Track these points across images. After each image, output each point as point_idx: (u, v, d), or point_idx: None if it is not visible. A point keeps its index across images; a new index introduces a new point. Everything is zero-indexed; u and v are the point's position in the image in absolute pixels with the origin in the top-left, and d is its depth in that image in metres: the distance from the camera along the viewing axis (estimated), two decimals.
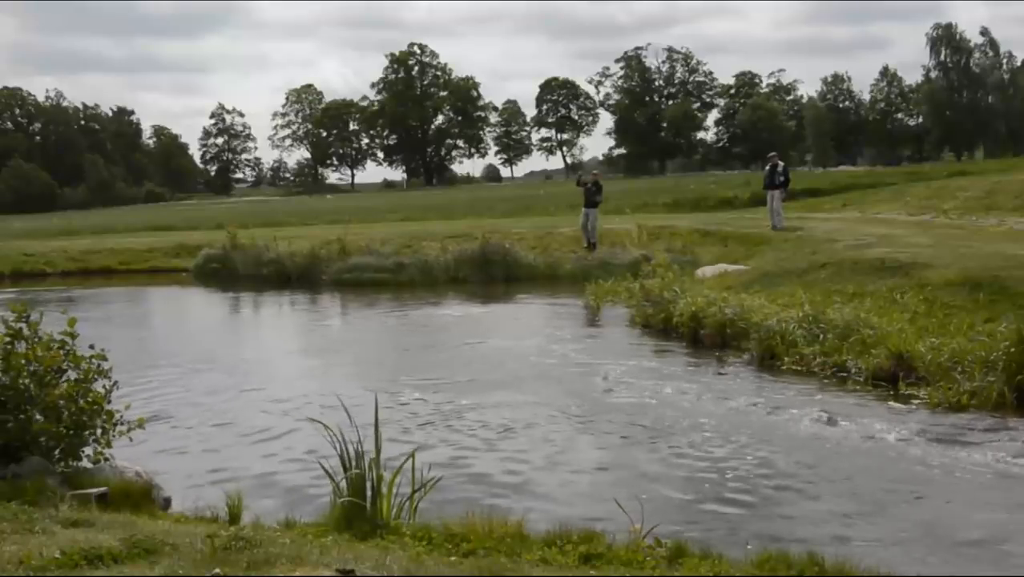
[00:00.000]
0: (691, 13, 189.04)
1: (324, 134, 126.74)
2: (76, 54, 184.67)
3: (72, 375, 7.25)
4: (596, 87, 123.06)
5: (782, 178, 24.33)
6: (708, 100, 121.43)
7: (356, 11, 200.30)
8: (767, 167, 25.48)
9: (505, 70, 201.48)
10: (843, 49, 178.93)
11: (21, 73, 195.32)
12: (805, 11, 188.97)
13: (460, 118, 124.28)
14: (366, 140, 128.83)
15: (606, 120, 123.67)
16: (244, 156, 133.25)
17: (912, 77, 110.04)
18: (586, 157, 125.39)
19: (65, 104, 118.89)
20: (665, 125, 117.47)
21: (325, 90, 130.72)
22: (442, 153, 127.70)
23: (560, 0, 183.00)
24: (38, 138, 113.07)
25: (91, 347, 7.35)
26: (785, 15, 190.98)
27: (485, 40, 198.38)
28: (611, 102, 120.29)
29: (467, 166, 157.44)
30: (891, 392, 10.35)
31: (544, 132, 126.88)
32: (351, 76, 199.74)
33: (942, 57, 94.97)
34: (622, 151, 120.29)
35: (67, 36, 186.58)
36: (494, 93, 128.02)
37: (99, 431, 7.30)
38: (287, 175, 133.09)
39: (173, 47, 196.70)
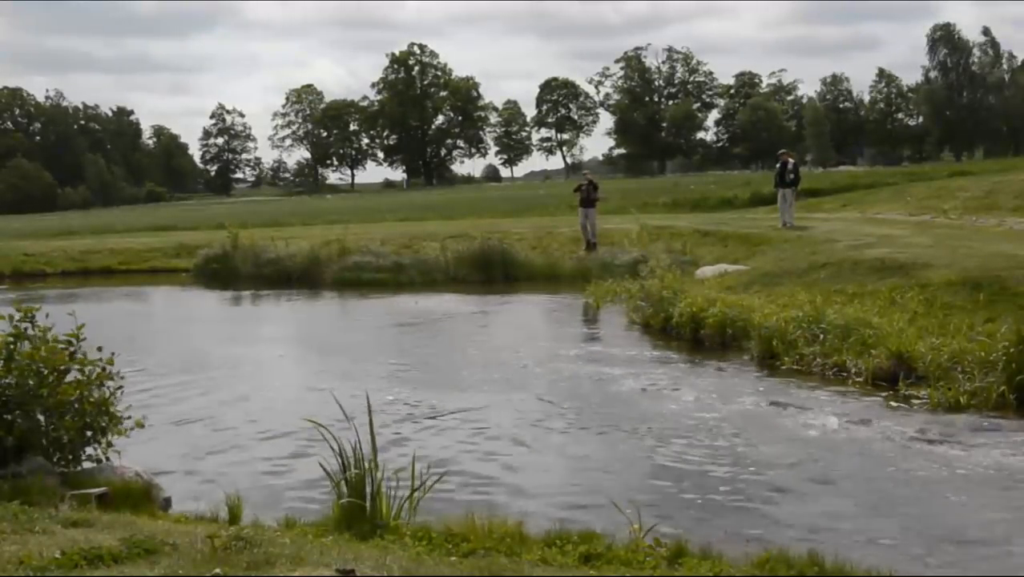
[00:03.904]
0: (682, 13, 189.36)
1: (324, 134, 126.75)
2: (67, 54, 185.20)
3: (76, 376, 7.25)
4: (596, 87, 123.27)
5: (792, 176, 23.88)
6: (708, 100, 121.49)
7: (345, 11, 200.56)
8: (777, 165, 24.99)
9: (496, 70, 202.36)
10: (834, 49, 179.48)
11: (14, 73, 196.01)
12: (795, 11, 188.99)
13: (460, 118, 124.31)
14: (366, 140, 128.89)
15: (606, 120, 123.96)
16: (244, 156, 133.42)
17: (905, 77, 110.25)
18: (586, 157, 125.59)
19: (65, 104, 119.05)
20: (665, 125, 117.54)
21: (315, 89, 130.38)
22: (442, 153, 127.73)
23: (550, 0, 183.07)
24: (38, 138, 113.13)
25: (99, 349, 7.35)
26: (774, 15, 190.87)
27: (475, 40, 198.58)
28: (611, 102, 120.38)
29: (467, 166, 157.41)
30: (891, 392, 10.35)
31: (544, 132, 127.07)
32: (344, 76, 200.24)
33: (941, 57, 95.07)
34: (622, 151, 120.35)
35: (57, 36, 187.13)
36: (485, 93, 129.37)
37: (101, 433, 7.30)
38: (287, 175, 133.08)
39: (164, 47, 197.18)
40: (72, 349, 7.25)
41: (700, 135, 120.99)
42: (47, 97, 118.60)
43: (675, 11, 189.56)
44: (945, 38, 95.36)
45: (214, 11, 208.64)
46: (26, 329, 7.19)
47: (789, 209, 24.00)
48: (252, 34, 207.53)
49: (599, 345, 14.68)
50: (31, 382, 6.98)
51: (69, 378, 7.22)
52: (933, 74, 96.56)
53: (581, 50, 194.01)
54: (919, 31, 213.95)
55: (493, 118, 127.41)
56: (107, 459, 7.36)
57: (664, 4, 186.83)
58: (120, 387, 7.47)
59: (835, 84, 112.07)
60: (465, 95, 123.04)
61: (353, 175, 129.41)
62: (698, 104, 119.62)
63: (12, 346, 7.07)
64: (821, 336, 11.94)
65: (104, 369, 7.30)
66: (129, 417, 7.45)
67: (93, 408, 7.18)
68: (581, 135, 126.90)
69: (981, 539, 6.49)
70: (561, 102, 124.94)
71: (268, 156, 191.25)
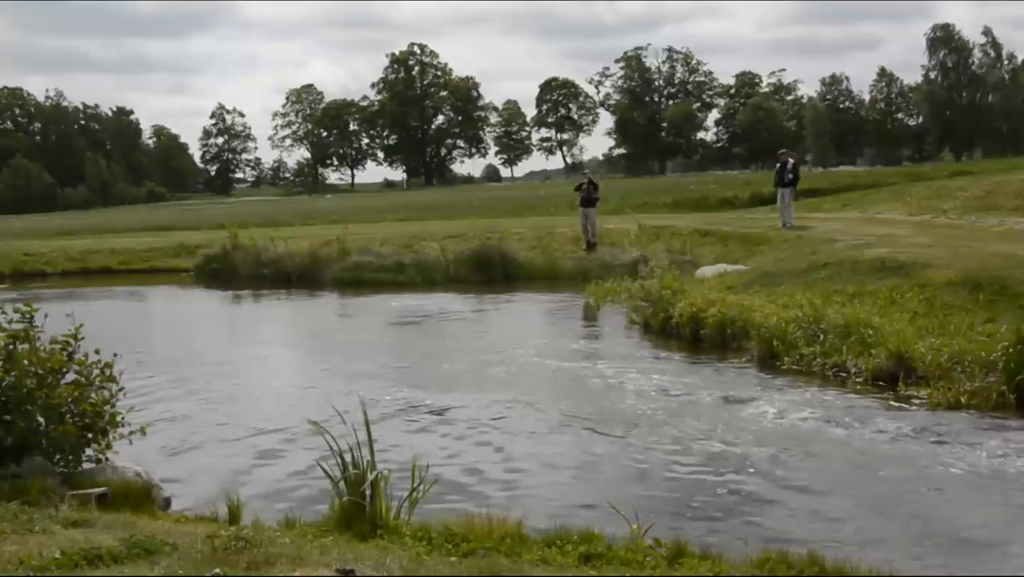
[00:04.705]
0: (679, 13, 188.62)
1: (324, 134, 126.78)
2: (67, 54, 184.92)
3: (74, 377, 7.24)
4: (596, 87, 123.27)
5: (791, 176, 23.90)
6: (708, 100, 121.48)
7: (343, 11, 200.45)
8: (777, 164, 25.05)
9: (493, 70, 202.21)
10: (832, 49, 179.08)
11: (14, 73, 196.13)
12: (793, 12, 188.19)
13: (460, 118, 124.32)
14: (366, 140, 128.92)
15: (606, 120, 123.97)
16: (244, 156, 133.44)
17: (903, 77, 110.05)
18: (586, 157, 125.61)
19: (65, 104, 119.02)
20: (665, 125, 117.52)
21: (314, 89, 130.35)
22: (442, 153, 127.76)
23: (546, 0, 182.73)
24: (38, 138, 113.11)
25: (97, 352, 7.35)
26: (773, 16, 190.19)
27: (473, 40, 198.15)
28: (611, 102, 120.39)
29: (467, 166, 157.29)
30: (891, 392, 10.35)
31: (544, 132, 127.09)
32: (341, 76, 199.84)
33: (941, 57, 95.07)
34: (622, 151, 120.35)
35: (57, 36, 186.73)
36: (485, 93, 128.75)
37: (101, 433, 7.29)
38: (287, 175, 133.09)
39: (163, 47, 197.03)
40: (70, 350, 7.24)
41: (700, 135, 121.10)
42: (47, 97, 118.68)
43: (673, 11, 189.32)
44: (944, 39, 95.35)
45: (213, 11, 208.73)
46: (25, 330, 7.18)
47: (788, 209, 24.00)
48: (251, 34, 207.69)
49: (598, 345, 14.67)
50: (28, 383, 6.96)
51: (68, 378, 7.22)
52: (933, 74, 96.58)
53: (579, 50, 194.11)
54: (917, 31, 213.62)
55: (493, 118, 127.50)
56: (107, 459, 7.37)
57: (661, 4, 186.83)
58: (121, 388, 7.47)
59: (835, 84, 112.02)
60: (465, 95, 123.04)
61: (353, 175, 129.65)
62: (698, 104, 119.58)
63: (11, 347, 7.07)
64: (821, 336, 11.93)
65: (103, 372, 7.30)
66: (130, 425, 7.44)
67: (92, 410, 7.18)
68: (581, 135, 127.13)
69: (981, 539, 6.49)
70: (561, 102, 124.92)
71: (268, 156, 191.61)
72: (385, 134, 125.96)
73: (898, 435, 8.85)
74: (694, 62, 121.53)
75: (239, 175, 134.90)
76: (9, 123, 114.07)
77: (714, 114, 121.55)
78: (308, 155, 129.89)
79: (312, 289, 23.80)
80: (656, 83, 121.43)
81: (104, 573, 4.47)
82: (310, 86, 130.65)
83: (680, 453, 8.60)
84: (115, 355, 7.44)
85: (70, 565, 4.50)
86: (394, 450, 8.41)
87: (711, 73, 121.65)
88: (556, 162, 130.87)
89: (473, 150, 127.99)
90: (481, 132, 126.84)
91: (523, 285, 22.60)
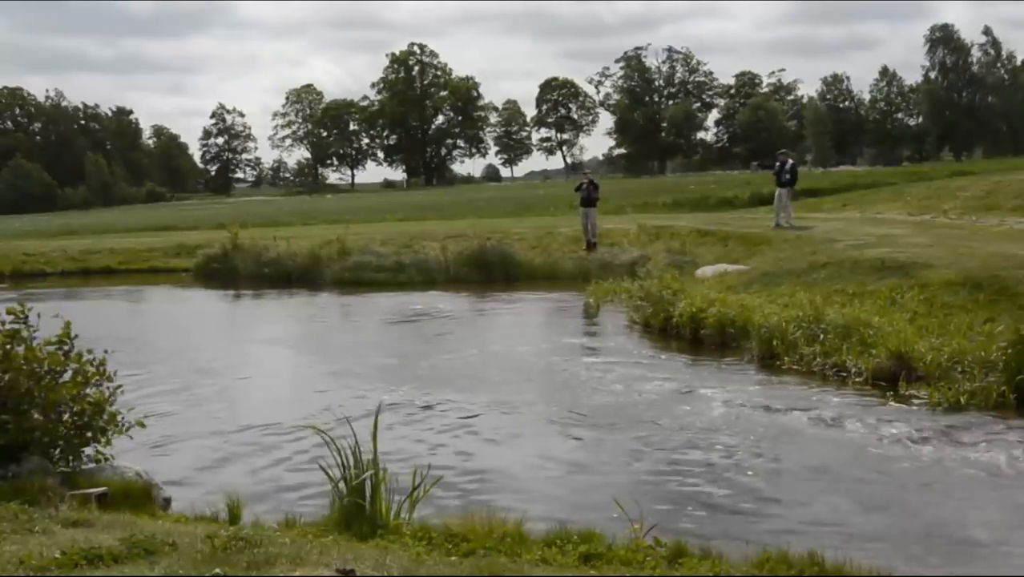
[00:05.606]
0: (678, 13, 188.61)
1: (324, 134, 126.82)
2: (66, 54, 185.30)
3: (71, 375, 7.25)
4: (596, 87, 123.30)
5: (788, 176, 23.93)
6: (708, 100, 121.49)
7: (342, 11, 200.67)
8: (776, 164, 25.10)
9: (492, 70, 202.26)
10: (832, 49, 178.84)
11: (14, 73, 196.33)
12: (791, 12, 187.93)
13: (460, 118, 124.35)
14: (366, 140, 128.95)
15: (606, 120, 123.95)
16: (244, 156, 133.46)
17: (904, 77, 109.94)
18: (586, 157, 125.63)
19: (65, 104, 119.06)
20: (665, 125, 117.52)
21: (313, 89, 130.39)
22: (442, 153, 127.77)
23: (544, 0, 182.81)
24: (38, 138, 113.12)
25: (89, 352, 7.36)
26: (772, 16, 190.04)
27: (471, 40, 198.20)
28: (611, 102, 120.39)
29: (467, 166, 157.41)
30: (891, 392, 10.35)
31: (544, 132, 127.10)
32: (340, 76, 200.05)
33: (940, 57, 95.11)
34: (622, 151, 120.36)
35: (57, 36, 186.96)
36: (484, 93, 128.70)
37: (100, 432, 7.29)
38: (287, 175, 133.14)
39: (161, 47, 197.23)
40: (66, 348, 7.25)
41: (700, 135, 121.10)
42: (47, 97, 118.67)
43: (671, 11, 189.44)
44: (944, 39, 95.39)
45: (211, 11, 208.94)
46: (20, 330, 7.19)
47: (785, 209, 24.00)
48: (248, 34, 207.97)
49: (598, 344, 14.67)
50: (24, 381, 6.96)
51: (65, 378, 7.23)
52: (933, 74, 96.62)
53: (578, 50, 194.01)
54: (915, 31, 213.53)
55: (493, 118, 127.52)
56: (106, 459, 7.37)
57: (660, 4, 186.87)
58: (119, 387, 7.48)
59: (835, 84, 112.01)
60: (465, 95, 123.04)
61: (353, 175, 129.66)
62: (698, 104, 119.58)
63: (8, 347, 7.07)
64: (821, 336, 11.94)
65: (98, 369, 7.31)
66: (129, 423, 7.44)
67: (91, 408, 7.18)
68: (581, 135, 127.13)
69: (980, 539, 6.49)
70: (561, 102, 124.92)
71: (268, 156, 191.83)
72: (385, 134, 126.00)
73: (898, 435, 8.85)
74: (694, 62, 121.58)
75: (239, 175, 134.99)
76: (9, 123, 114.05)
77: (714, 114, 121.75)
78: (308, 155, 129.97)
79: (312, 289, 23.80)
80: (656, 83, 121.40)
81: (104, 573, 4.47)
82: (310, 86, 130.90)
83: (680, 452, 8.60)
84: (106, 351, 7.43)
85: (70, 565, 4.50)
86: (392, 449, 8.41)
87: (711, 73, 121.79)
88: (556, 162, 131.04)
89: (473, 150, 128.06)
90: (481, 132, 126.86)
91: (523, 285, 22.60)
